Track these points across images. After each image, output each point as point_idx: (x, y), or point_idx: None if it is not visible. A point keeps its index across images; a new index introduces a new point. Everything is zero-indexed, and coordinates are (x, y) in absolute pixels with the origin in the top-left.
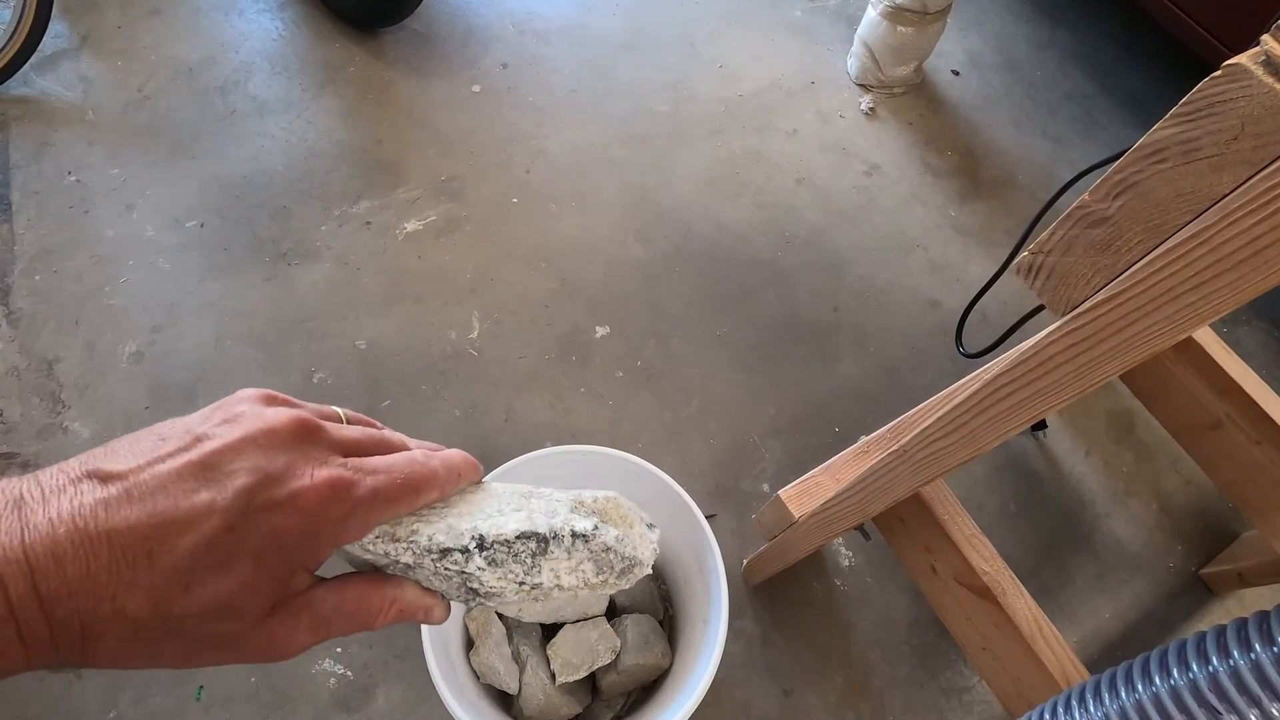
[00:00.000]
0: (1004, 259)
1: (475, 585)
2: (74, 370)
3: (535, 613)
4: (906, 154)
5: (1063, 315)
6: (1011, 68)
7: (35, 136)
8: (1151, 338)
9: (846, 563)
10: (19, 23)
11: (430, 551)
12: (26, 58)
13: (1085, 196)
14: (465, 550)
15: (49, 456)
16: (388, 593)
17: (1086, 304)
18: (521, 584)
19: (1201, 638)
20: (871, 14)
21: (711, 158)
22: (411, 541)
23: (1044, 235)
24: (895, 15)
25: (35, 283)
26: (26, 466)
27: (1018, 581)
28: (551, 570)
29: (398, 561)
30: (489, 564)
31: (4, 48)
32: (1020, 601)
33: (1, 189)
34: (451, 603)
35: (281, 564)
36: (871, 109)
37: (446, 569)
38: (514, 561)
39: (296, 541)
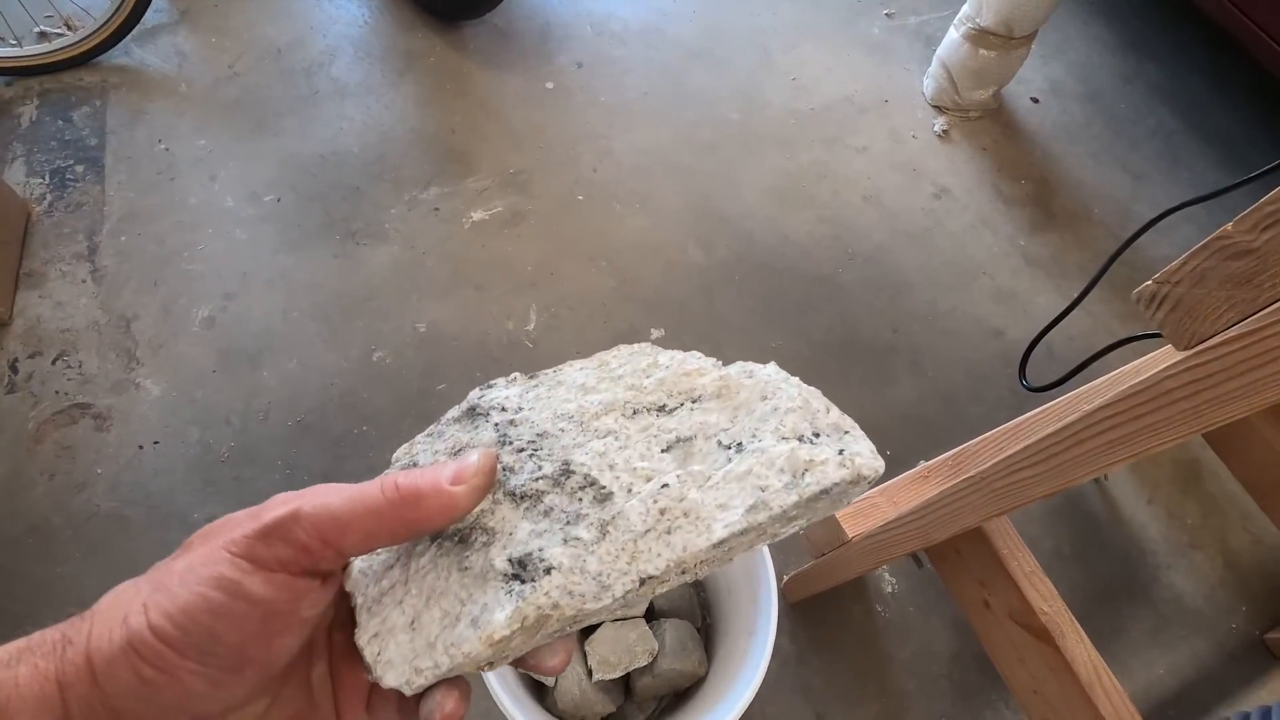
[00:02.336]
0: (1075, 293)
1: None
2: (149, 329)
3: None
4: (978, 179)
5: (1185, 350)
6: (1094, 99)
7: (131, 104)
8: None
9: (889, 589)
10: None
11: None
12: (130, 29)
13: (1228, 227)
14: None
15: (120, 410)
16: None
17: (1215, 339)
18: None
19: (1266, 712)
20: (953, 35)
21: (778, 169)
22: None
23: (1173, 265)
24: (978, 38)
25: (121, 243)
26: (99, 418)
27: (1077, 625)
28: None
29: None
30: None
31: (111, 18)
32: (1080, 646)
33: (97, 152)
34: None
35: None
36: (945, 131)
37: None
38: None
39: None
